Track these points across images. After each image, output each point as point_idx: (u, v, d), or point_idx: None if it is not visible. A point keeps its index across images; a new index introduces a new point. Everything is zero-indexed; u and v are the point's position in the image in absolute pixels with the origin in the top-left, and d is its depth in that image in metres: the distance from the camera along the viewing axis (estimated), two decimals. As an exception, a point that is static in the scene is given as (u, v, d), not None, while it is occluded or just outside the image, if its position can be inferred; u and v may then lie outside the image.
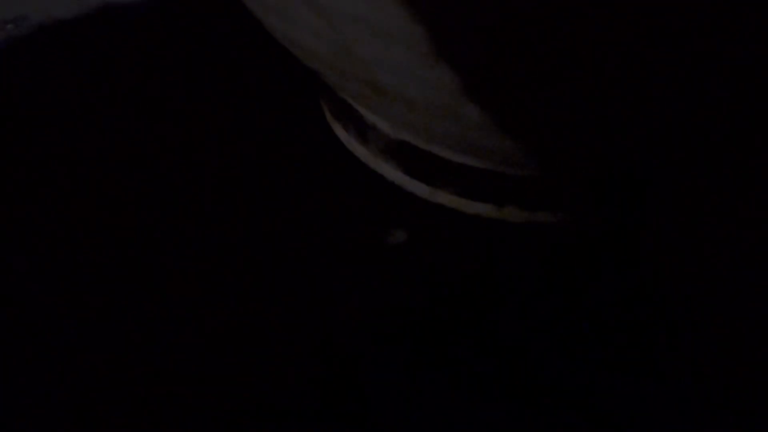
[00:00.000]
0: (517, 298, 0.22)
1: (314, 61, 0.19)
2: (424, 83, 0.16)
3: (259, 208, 0.24)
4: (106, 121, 0.25)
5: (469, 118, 0.17)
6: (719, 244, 0.24)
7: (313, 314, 0.21)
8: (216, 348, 0.20)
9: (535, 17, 0.14)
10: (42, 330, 0.21)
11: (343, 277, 0.22)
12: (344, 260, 0.22)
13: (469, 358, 0.20)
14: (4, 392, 0.19)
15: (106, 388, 0.20)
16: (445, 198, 0.24)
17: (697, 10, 0.14)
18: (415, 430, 0.19)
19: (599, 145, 0.20)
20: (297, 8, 0.16)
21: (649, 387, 0.20)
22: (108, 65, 0.27)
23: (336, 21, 0.15)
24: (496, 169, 0.22)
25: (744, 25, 0.15)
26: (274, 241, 0.23)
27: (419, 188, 0.24)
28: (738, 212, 0.24)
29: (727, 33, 0.15)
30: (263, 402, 0.19)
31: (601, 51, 0.15)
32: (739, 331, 0.22)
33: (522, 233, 0.24)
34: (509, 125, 0.18)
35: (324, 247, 0.23)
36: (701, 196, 0.25)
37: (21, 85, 0.26)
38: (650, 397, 0.20)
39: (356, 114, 0.24)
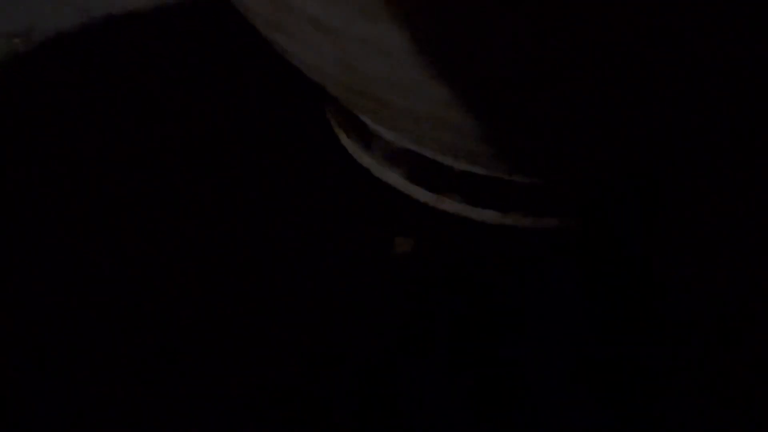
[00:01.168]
0: (523, 303, 0.22)
1: (318, 75, 0.19)
2: (431, 99, 0.16)
3: (263, 215, 0.24)
4: (118, 131, 0.26)
5: (476, 132, 0.17)
6: (722, 245, 0.24)
7: (317, 322, 0.21)
8: (215, 350, 0.20)
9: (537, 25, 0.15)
10: (42, 330, 0.21)
11: (348, 285, 0.22)
12: (349, 267, 0.23)
13: (475, 365, 0.21)
14: (5, 392, 0.19)
15: (108, 388, 0.20)
16: (450, 205, 0.24)
17: (697, 10, 0.14)
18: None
19: (603, 152, 0.20)
20: (300, 26, 0.16)
21: (656, 391, 0.20)
22: (115, 75, 0.27)
23: (340, 40, 0.15)
24: (501, 176, 0.23)
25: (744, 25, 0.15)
26: (278, 249, 0.23)
27: (424, 195, 0.24)
28: (739, 213, 0.24)
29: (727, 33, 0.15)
30: (259, 407, 0.19)
31: (604, 62, 0.15)
32: (743, 332, 0.22)
33: (527, 239, 0.24)
34: (519, 137, 0.18)
35: (328, 255, 0.23)
36: (704, 197, 0.25)
37: (30, 98, 0.26)
38: (658, 400, 0.20)
39: (360, 123, 0.24)
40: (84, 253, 0.22)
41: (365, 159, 0.25)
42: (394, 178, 0.24)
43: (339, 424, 0.19)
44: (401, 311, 0.22)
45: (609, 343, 0.21)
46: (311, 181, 0.25)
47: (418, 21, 0.15)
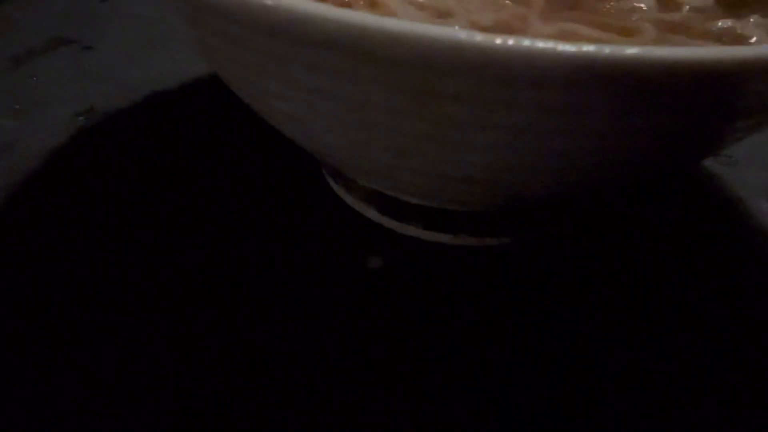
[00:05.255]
0: (470, 311, 0.24)
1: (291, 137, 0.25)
2: (380, 160, 0.22)
3: (262, 244, 0.26)
4: (170, 191, 0.28)
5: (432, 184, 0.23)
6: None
7: (299, 328, 0.23)
8: (202, 363, 0.21)
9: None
10: (42, 331, 0.22)
11: (329, 294, 0.24)
12: (331, 280, 0.25)
13: (435, 371, 0.22)
14: (4, 392, 0.20)
15: (108, 389, 0.20)
16: (413, 231, 0.28)
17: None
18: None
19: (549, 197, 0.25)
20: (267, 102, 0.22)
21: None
22: (162, 148, 0.30)
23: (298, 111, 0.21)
24: (448, 207, 0.27)
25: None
26: (277, 265, 0.25)
27: (393, 224, 0.28)
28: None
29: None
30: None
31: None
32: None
33: (475, 256, 0.27)
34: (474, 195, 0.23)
35: (317, 270, 0.25)
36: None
37: (94, 171, 0.28)
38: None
39: (341, 172, 0.28)
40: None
41: (348, 198, 0.29)
42: (369, 212, 0.28)
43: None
44: (372, 318, 0.24)
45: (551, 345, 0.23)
46: (308, 216, 0.28)
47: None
